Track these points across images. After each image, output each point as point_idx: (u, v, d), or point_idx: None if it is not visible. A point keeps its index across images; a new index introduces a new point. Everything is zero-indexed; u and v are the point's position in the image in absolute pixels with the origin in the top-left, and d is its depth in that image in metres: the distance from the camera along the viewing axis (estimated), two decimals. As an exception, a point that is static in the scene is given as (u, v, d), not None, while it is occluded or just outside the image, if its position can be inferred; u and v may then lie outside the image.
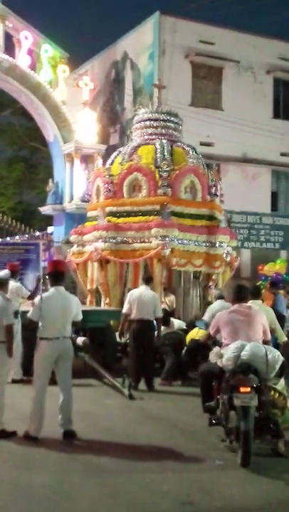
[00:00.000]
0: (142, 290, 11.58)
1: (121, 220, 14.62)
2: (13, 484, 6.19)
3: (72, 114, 24.00)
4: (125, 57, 25.49)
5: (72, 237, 16.12)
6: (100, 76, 26.74)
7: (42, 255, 17.72)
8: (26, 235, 22.72)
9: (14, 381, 10.85)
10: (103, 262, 14.42)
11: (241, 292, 7.96)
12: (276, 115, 25.94)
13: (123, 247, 14.35)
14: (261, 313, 7.86)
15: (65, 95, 24.05)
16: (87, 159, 23.57)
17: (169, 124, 16.02)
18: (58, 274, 8.26)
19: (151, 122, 15.97)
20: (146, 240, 14.14)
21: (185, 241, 14.28)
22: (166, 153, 14.93)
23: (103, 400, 10.24)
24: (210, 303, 14.63)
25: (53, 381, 7.99)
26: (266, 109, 25.40)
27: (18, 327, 10.16)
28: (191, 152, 15.53)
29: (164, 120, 16.00)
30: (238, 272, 23.53)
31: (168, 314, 12.73)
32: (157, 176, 14.58)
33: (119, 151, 16.03)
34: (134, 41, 24.96)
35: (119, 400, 10.23)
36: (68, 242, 16.82)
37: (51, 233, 25.52)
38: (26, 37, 23.41)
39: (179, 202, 14.63)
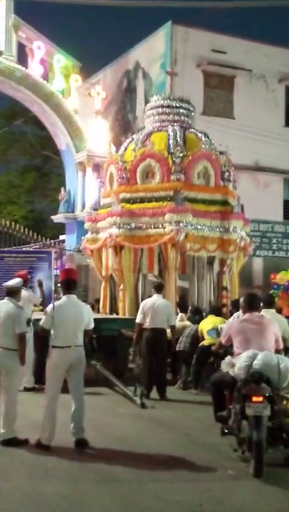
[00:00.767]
0: (155, 299, 11.57)
1: (135, 206, 14.69)
2: (25, 493, 6.18)
3: (84, 123, 24.12)
4: (137, 67, 25.57)
5: (87, 224, 16.17)
6: (112, 85, 26.83)
7: (54, 264, 17.77)
8: (38, 244, 22.77)
9: (26, 389, 10.89)
10: (118, 248, 14.49)
11: (253, 301, 7.92)
12: (288, 123, 25.90)
13: (137, 233, 14.42)
14: (273, 322, 7.82)
15: (78, 104, 24.18)
16: (99, 168, 23.63)
17: (181, 110, 16.03)
18: (70, 283, 8.27)
19: (164, 109, 15.97)
20: (161, 226, 14.20)
21: (199, 226, 14.33)
22: (178, 140, 14.95)
23: (115, 409, 10.22)
24: (225, 288, 14.75)
25: (65, 389, 7.97)
26: (278, 118, 25.37)
27: (30, 335, 10.17)
28: (203, 138, 15.53)
29: (176, 107, 16.01)
30: (250, 280, 23.59)
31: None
32: (170, 162, 14.62)
33: (132, 138, 16.08)
34: (146, 51, 25.02)
35: (131, 409, 10.21)
36: (80, 251, 16.90)
37: (63, 241, 25.59)
38: (39, 47, 23.58)
39: (192, 187, 14.69)
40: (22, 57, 23.75)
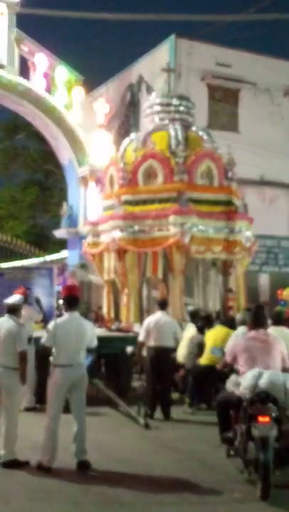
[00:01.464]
0: (159, 316, 11.30)
1: (137, 208, 14.46)
2: (26, 516, 6.05)
3: (87, 137, 24.08)
4: (140, 80, 25.54)
5: (87, 228, 15.92)
6: (115, 99, 26.82)
7: (56, 280, 17.63)
8: (40, 259, 22.68)
9: (27, 409, 10.72)
10: (121, 252, 14.27)
11: (259, 318, 7.76)
12: (293, 137, 25.83)
13: (141, 236, 14.19)
14: (280, 340, 7.65)
15: (80, 118, 24.16)
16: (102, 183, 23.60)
17: (181, 108, 15.80)
18: (72, 300, 8.14)
19: (164, 107, 15.73)
20: (165, 228, 14.00)
21: (203, 228, 14.11)
22: (180, 139, 14.71)
23: (118, 429, 10.06)
24: (230, 290, 14.55)
25: (66, 409, 7.84)
26: (283, 131, 25.29)
27: (31, 353, 10.01)
28: (205, 137, 15.33)
29: (176, 105, 15.77)
30: (256, 296, 23.41)
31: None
32: (173, 162, 14.37)
33: (131, 139, 15.81)
34: (149, 64, 25.00)
35: (134, 429, 10.04)
36: (83, 267, 16.75)
37: (65, 257, 25.50)
38: (41, 60, 23.59)
39: (196, 188, 14.50)
40: (24, 70, 23.78)
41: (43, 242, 35.25)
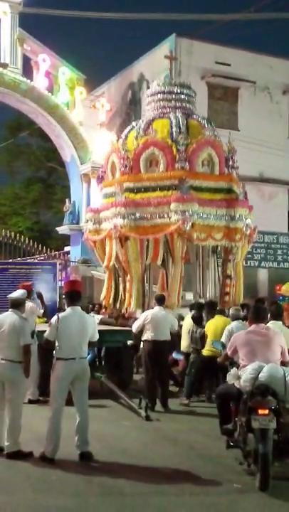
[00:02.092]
0: (156, 311, 11.57)
1: (139, 195, 14.36)
2: (30, 506, 6.16)
3: (89, 135, 24.19)
4: (142, 79, 25.63)
5: (88, 215, 15.79)
6: (117, 97, 26.90)
7: (59, 275, 17.74)
8: (43, 255, 22.78)
9: (31, 401, 10.83)
10: (122, 239, 14.23)
11: (259, 312, 7.88)
12: (292, 135, 25.92)
13: (142, 223, 14.13)
14: (279, 334, 7.75)
15: (82, 116, 24.27)
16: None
17: (182, 96, 15.64)
18: (74, 294, 8.24)
19: (165, 95, 15.57)
20: (166, 216, 13.91)
21: (204, 215, 14.07)
22: (181, 127, 14.64)
23: (120, 421, 10.15)
24: (229, 276, 14.64)
25: (69, 402, 7.94)
26: (282, 129, 25.39)
27: (34, 347, 10.12)
28: (206, 125, 15.23)
29: (177, 93, 15.62)
30: (255, 292, 23.52)
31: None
32: (174, 149, 14.30)
33: (133, 126, 15.67)
34: (150, 63, 25.09)
35: (135, 421, 10.15)
36: (85, 262, 16.75)
37: (68, 253, 25.60)
38: (44, 59, 23.71)
39: (197, 176, 14.39)
40: (27, 70, 23.89)
41: (46, 238, 35.35)
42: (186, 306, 14.13)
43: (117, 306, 15.16)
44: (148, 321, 11.39)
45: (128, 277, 14.37)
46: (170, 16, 24.34)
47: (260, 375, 7.01)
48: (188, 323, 12.52)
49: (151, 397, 11.14)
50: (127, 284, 14.41)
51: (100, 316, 14.77)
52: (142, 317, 11.63)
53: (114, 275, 15.45)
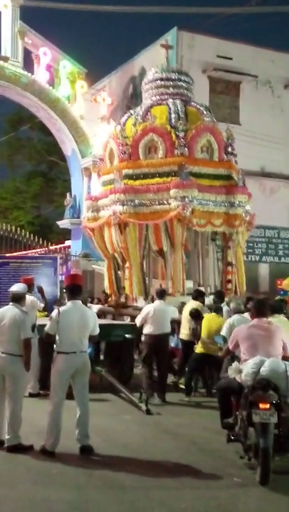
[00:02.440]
0: (157, 305, 11.66)
1: (138, 182, 14.34)
2: (30, 499, 6.16)
3: (90, 128, 24.16)
4: (143, 73, 25.48)
5: (87, 203, 15.76)
6: (118, 91, 26.85)
7: (59, 269, 17.71)
8: (44, 249, 22.78)
9: (31, 395, 10.86)
10: (122, 226, 14.20)
11: (261, 307, 7.87)
12: (294, 129, 25.86)
13: (142, 210, 14.13)
14: (281, 328, 7.74)
15: (83, 110, 24.24)
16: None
17: (180, 83, 15.62)
18: (75, 288, 8.24)
19: (163, 82, 15.55)
20: (166, 202, 13.92)
21: (204, 201, 14.08)
22: (180, 113, 14.61)
23: (120, 415, 10.16)
24: (230, 263, 14.61)
25: (69, 395, 7.94)
26: (284, 123, 25.31)
27: (35, 341, 10.12)
28: (205, 111, 15.21)
29: (175, 79, 15.60)
30: (256, 286, 23.51)
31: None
32: (173, 136, 14.26)
33: (131, 113, 15.69)
34: (151, 57, 24.99)
35: (136, 415, 10.16)
36: (86, 256, 16.69)
37: (69, 247, 25.60)
38: (45, 53, 23.66)
39: (196, 162, 14.41)
40: (28, 63, 23.85)
41: (47, 232, 35.36)
42: (189, 294, 14.15)
43: (118, 294, 15.16)
44: (150, 316, 11.47)
45: (127, 264, 14.33)
46: (171, 9, 24.30)
47: (261, 370, 7.01)
48: (188, 310, 12.44)
49: (150, 389, 11.25)
50: (126, 272, 14.40)
51: (98, 306, 14.78)
52: (144, 311, 11.66)
53: (113, 264, 15.41)
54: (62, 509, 5.93)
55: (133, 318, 12.71)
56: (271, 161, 24.37)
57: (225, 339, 8.48)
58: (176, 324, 12.56)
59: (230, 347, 7.77)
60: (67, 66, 24.28)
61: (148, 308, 11.70)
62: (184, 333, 12.35)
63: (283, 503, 6.25)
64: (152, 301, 12.50)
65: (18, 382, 7.95)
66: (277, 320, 8.71)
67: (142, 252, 14.39)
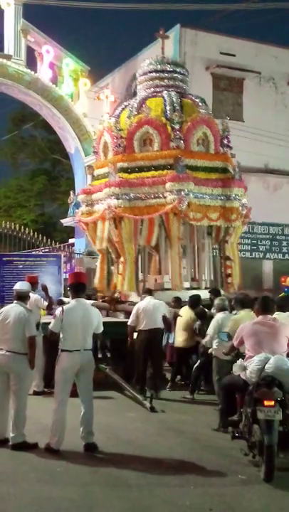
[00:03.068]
0: (148, 301, 11.73)
1: (133, 175, 14.09)
2: (35, 497, 6.16)
3: (93, 126, 24.12)
4: (146, 70, 25.50)
5: (80, 197, 15.52)
6: (121, 89, 26.81)
7: (63, 267, 17.72)
8: (48, 247, 22.78)
9: (36, 393, 10.86)
10: (117, 220, 13.96)
11: (267, 304, 7.85)
12: (297, 126, 25.82)
13: (137, 204, 13.87)
14: (286, 325, 7.74)
15: (86, 108, 24.22)
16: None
17: (175, 75, 15.39)
18: (79, 286, 8.25)
19: (158, 74, 15.29)
20: (161, 195, 13.69)
21: (200, 195, 13.86)
22: (175, 105, 14.38)
23: (124, 413, 10.17)
24: (228, 258, 14.51)
25: (74, 393, 7.95)
26: (288, 120, 25.27)
27: (39, 339, 10.15)
28: (200, 103, 14.97)
29: (170, 71, 15.36)
30: (260, 283, 23.51)
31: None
32: (169, 128, 14.04)
33: (125, 106, 15.45)
34: (154, 54, 24.96)
35: (140, 413, 10.16)
36: (90, 254, 16.59)
37: (72, 245, 25.60)
38: (48, 51, 23.67)
39: (192, 155, 14.18)
40: (31, 61, 23.86)
41: (51, 230, 35.36)
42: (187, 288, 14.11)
43: (111, 289, 14.95)
44: (140, 312, 11.55)
45: (121, 259, 14.14)
46: (174, 6, 24.22)
47: (266, 367, 7.01)
48: (186, 316, 12.31)
49: (141, 383, 11.43)
50: (120, 266, 14.18)
51: (91, 301, 14.62)
52: (135, 310, 11.70)
53: (106, 258, 15.26)
54: (66, 507, 5.94)
55: (128, 313, 12.61)
56: (275, 157, 24.34)
57: (229, 336, 8.46)
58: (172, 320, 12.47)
59: (235, 344, 7.78)
60: (70, 64, 24.29)
61: (138, 307, 11.73)
62: (179, 340, 12.25)
63: (288, 500, 6.25)
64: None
65: (22, 380, 7.96)
66: (281, 317, 8.72)
67: (136, 247, 14.18)
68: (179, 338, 12.26)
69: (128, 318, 12.14)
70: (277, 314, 8.89)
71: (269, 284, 23.47)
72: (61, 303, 11.06)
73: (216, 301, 11.19)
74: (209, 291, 13.35)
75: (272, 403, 6.74)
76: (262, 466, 6.74)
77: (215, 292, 12.94)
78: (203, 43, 23.66)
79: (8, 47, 23.08)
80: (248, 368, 7.21)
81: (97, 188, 14.94)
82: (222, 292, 13.73)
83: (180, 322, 12.22)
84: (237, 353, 7.89)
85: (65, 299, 12.39)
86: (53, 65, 23.94)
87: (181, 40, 23.41)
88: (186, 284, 14.51)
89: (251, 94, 24.82)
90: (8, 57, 22.89)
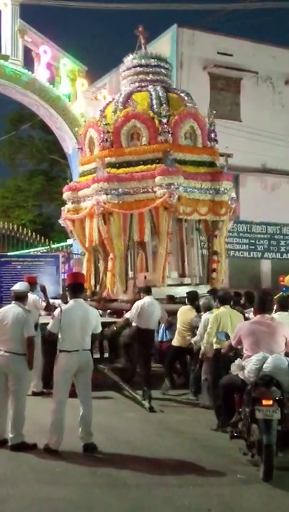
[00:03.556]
0: (149, 301, 11.64)
1: (121, 170, 13.90)
2: (34, 498, 6.17)
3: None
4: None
5: (66, 194, 15.29)
6: (118, 89, 26.75)
7: (61, 267, 17.70)
8: (46, 248, 22.76)
9: (34, 394, 10.85)
10: (106, 216, 13.74)
11: (265, 303, 7.86)
12: (295, 125, 25.85)
13: (126, 199, 13.68)
14: (284, 325, 7.75)
15: (84, 108, 24.19)
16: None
17: (159, 69, 15.24)
18: (77, 287, 8.26)
19: (142, 68, 15.13)
20: (150, 190, 13.52)
21: (189, 189, 13.74)
22: (162, 99, 14.24)
23: (123, 413, 10.17)
24: (216, 252, 14.44)
25: (73, 394, 7.95)
26: (285, 119, 25.30)
27: (37, 339, 10.14)
28: (186, 98, 14.87)
29: (154, 66, 15.21)
30: (258, 282, 23.52)
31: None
32: (157, 122, 13.85)
33: (109, 101, 15.34)
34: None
35: (139, 413, 10.16)
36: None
37: (71, 245, 25.57)
38: (45, 51, 23.61)
39: (181, 148, 14.05)
40: (28, 61, 23.80)
41: (49, 230, 35.33)
42: (172, 284, 14.01)
43: (98, 288, 14.77)
44: (142, 310, 11.48)
45: (111, 256, 13.92)
46: (171, 6, 24.22)
47: (264, 366, 7.02)
48: (187, 316, 12.29)
49: (147, 381, 11.35)
50: (110, 263, 13.95)
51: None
52: (138, 306, 11.58)
53: (93, 256, 15.08)
54: (65, 508, 5.94)
55: (117, 312, 12.54)
56: (272, 157, 24.37)
57: (227, 336, 8.47)
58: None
59: (233, 343, 7.79)
60: (67, 64, 24.24)
61: (139, 303, 11.61)
62: (178, 338, 11.92)
63: (287, 499, 6.26)
64: (139, 293, 12.29)
65: (21, 380, 7.96)
66: (281, 316, 8.75)
67: (125, 243, 13.96)
68: (179, 336, 12.17)
69: (117, 317, 12.14)
70: (279, 313, 8.95)
71: (267, 284, 23.49)
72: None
73: (202, 301, 11.20)
74: (208, 292, 13.30)
75: (270, 402, 6.75)
76: (261, 465, 6.74)
77: (214, 292, 12.85)
78: (200, 42, 23.68)
79: (6, 47, 23.02)
80: (246, 368, 7.22)
81: (83, 185, 14.72)
82: (208, 288, 13.75)
83: (181, 322, 12.13)
84: (235, 353, 7.89)
85: (56, 301, 12.45)
86: (50, 65, 23.90)
87: (178, 40, 23.44)
88: (176, 281, 14.43)
89: (249, 94, 24.85)
90: (6, 57, 22.84)
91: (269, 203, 24.03)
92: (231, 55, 24.29)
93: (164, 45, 24.02)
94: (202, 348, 10.21)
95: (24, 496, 6.22)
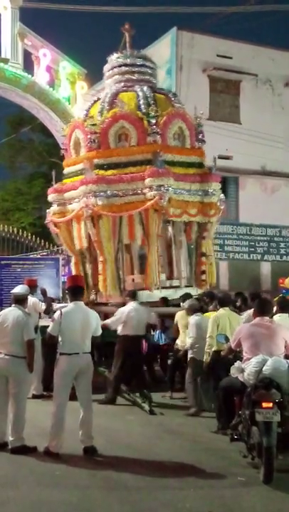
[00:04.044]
0: (133, 307, 11.40)
1: (110, 172, 13.61)
2: (34, 501, 6.17)
3: (91, 130, 24.12)
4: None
5: (51, 196, 14.95)
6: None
7: (61, 270, 17.69)
8: (46, 251, 22.77)
9: (35, 396, 10.88)
10: (95, 218, 13.46)
11: (264, 306, 7.87)
12: (294, 127, 25.87)
13: (115, 201, 13.41)
14: (283, 327, 7.76)
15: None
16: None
17: (145, 69, 14.97)
18: (77, 289, 8.27)
19: (128, 68, 14.84)
20: (140, 192, 13.28)
21: (179, 190, 13.55)
22: (149, 99, 13.98)
23: (124, 416, 10.17)
24: (204, 254, 14.29)
25: (73, 396, 7.95)
26: (284, 122, 25.32)
27: (38, 342, 10.15)
28: (173, 98, 14.68)
29: (140, 65, 14.92)
30: (258, 285, 23.53)
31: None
32: (145, 123, 13.55)
33: (94, 101, 15.03)
34: (151, 57, 24.99)
35: (139, 416, 10.18)
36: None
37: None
38: (45, 54, 23.67)
39: (170, 150, 13.82)
40: (28, 64, 23.86)
41: (49, 233, 35.27)
42: (164, 287, 13.90)
43: (86, 291, 14.60)
44: (128, 317, 11.25)
45: (101, 259, 13.66)
46: (171, 9, 24.27)
47: (264, 368, 7.01)
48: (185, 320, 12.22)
49: (116, 390, 11.24)
50: (100, 266, 13.68)
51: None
52: (119, 314, 11.37)
53: (81, 260, 14.82)
54: (66, 510, 5.94)
55: (107, 315, 12.41)
56: (272, 159, 24.40)
57: (227, 338, 8.47)
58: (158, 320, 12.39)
59: (233, 346, 7.79)
60: (67, 67, 24.29)
61: (123, 310, 11.40)
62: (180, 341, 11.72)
63: (287, 501, 6.25)
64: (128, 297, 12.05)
65: (21, 383, 7.96)
66: (281, 318, 8.75)
67: (115, 246, 13.76)
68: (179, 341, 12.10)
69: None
70: (279, 315, 8.94)
71: (267, 286, 23.50)
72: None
73: (188, 303, 11.04)
74: (203, 294, 13.21)
75: (270, 405, 6.75)
76: (261, 467, 6.73)
77: (210, 295, 12.77)
78: (199, 45, 23.70)
79: (5, 50, 23.07)
80: (245, 370, 7.21)
81: (69, 187, 14.42)
82: (197, 290, 13.69)
83: (183, 327, 12.00)
84: (234, 355, 7.90)
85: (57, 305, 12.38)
86: (50, 68, 23.95)
87: (178, 42, 23.47)
88: (164, 283, 14.26)
89: (248, 97, 24.86)
90: (6, 60, 22.89)
91: (269, 205, 24.04)
92: (231, 58, 24.32)
93: (163, 47, 24.07)
94: (205, 356, 10.02)
95: (24, 499, 6.21)
